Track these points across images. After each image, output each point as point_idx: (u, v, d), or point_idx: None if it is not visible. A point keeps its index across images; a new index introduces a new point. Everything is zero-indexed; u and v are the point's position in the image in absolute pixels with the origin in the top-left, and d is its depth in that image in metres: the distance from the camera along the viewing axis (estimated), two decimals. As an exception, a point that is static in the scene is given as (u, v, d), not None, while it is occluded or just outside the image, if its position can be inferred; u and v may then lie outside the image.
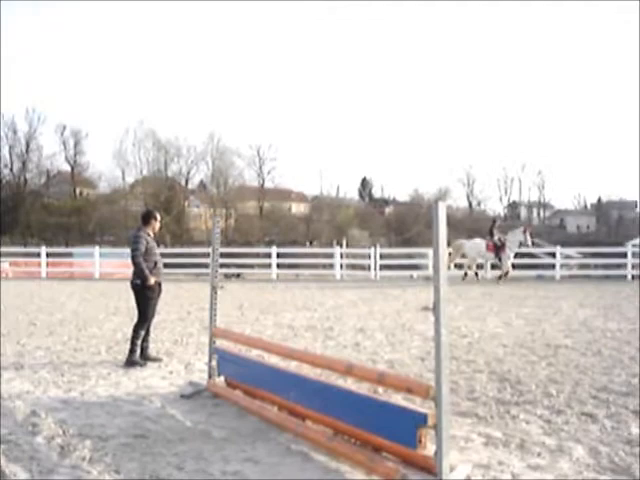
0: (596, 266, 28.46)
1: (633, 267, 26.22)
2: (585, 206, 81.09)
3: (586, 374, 7.83)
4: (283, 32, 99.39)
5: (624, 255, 26.65)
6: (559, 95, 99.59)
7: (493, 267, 24.98)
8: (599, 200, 78.00)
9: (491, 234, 23.90)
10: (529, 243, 23.78)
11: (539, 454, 5.01)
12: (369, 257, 28.32)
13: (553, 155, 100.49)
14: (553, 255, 28.57)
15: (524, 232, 23.67)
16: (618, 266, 26.84)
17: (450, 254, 24.94)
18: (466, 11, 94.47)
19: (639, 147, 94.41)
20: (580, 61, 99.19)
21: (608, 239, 55.37)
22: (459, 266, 25.34)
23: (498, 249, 23.39)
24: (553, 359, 8.81)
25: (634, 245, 28.91)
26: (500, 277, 23.37)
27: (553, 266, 28.06)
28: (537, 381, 7.48)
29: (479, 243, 24.17)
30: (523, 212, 76.43)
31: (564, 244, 32.44)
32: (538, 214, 77.62)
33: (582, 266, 29.81)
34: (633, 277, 25.63)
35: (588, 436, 5.45)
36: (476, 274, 24.06)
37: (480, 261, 24.39)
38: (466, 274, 24.04)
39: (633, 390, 7.00)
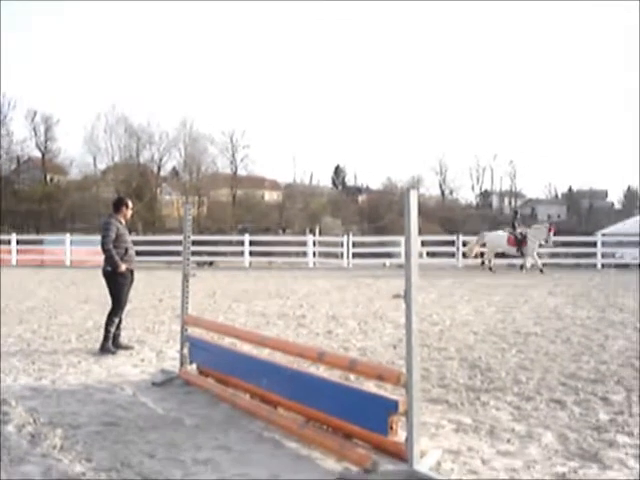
0: (566, 255, 28.75)
1: (603, 256, 26.53)
2: (556, 195, 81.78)
3: (555, 361, 7.92)
4: (255, 17, 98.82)
5: (594, 244, 26.93)
6: (530, 85, 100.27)
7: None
8: (570, 189, 78.70)
9: (513, 227, 23.82)
10: (551, 242, 23.60)
11: (509, 440, 5.07)
12: (342, 245, 28.37)
13: (525, 144, 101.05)
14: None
15: (549, 230, 23.36)
16: (588, 255, 27.12)
17: (469, 244, 25.21)
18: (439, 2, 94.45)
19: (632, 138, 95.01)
20: (551, 52, 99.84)
21: (578, 228, 55.80)
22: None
23: (519, 243, 23.23)
24: (523, 346, 8.90)
25: (604, 234, 29.24)
26: (539, 269, 22.97)
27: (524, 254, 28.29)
28: (507, 368, 7.56)
29: (501, 235, 24.10)
30: (495, 201, 76.85)
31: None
32: (510, 203, 77.96)
33: (552, 255, 30.09)
34: (603, 266, 25.93)
35: (557, 422, 5.52)
36: (490, 267, 23.87)
37: (499, 251, 24.24)
38: (483, 263, 24.17)
39: (601, 377, 7.10)
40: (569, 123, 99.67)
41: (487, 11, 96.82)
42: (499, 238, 24.00)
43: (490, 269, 23.68)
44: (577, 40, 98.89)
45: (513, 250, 23.57)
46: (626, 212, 59.88)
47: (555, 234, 23.93)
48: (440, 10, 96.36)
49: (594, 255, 26.55)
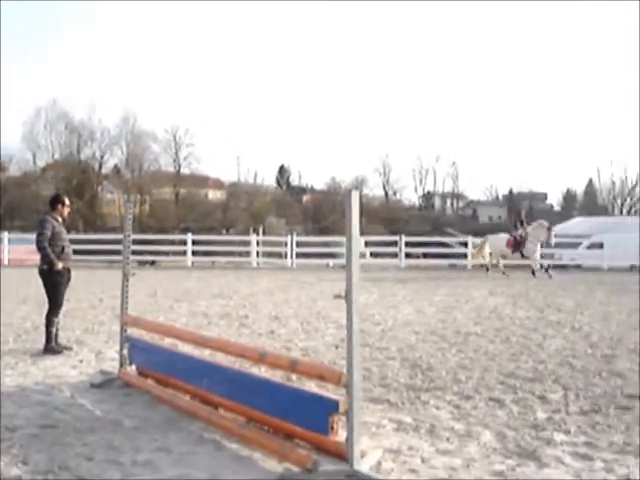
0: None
1: (542, 257, 26.99)
2: (497, 197, 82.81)
3: (494, 360, 8.05)
4: (194, 10, 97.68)
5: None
6: (471, 86, 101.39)
7: None
8: (510, 191, 79.79)
9: (516, 227, 23.34)
10: (552, 242, 23.11)
11: (448, 439, 5.12)
12: (286, 245, 28.40)
13: (467, 147, 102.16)
14: (465, 245, 29.24)
15: (548, 229, 22.93)
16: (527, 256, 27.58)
17: (476, 248, 24.90)
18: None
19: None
20: (493, 52, 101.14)
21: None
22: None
23: (518, 244, 22.70)
24: (463, 346, 9.01)
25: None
26: (533, 272, 22.57)
27: (465, 255, 28.70)
28: (447, 367, 7.64)
29: (502, 238, 23.73)
30: (437, 202, 77.60)
31: (476, 234, 33.18)
32: (452, 204, 78.90)
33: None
34: (542, 267, 26.39)
35: (495, 421, 5.60)
36: (503, 271, 23.33)
37: (503, 255, 23.79)
38: (487, 269, 23.70)
39: (539, 376, 7.23)
40: (511, 126, 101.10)
41: (439, 8, 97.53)
42: (500, 240, 23.65)
43: (503, 273, 23.01)
44: (522, 41, 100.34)
45: (510, 252, 23.14)
46: (565, 214, 60.98)
47: (554, 234, 23.48)
48: (381, 10, 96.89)
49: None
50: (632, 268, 27.97)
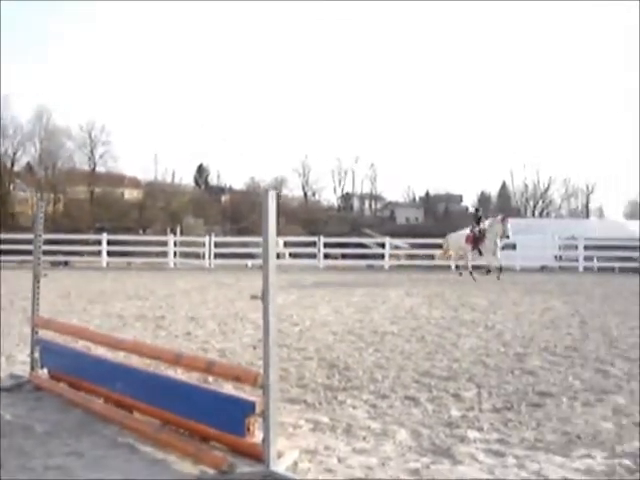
0: (423, 256, 29.65)
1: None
2: (414, 199, 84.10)
3: (410, 359, 8.14)
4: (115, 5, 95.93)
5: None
6: (390, 88, 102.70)
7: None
8: (427, 193, 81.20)
9: (478, 223, 22.36)
10: (509, 234, 21.57)
11: (364, 438, 5.14)
12: (204, 245, 28.21)
13: (385, 148, 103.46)
14: (383, 245, 29.60)
15: (502, 221, 21.67)
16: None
17: (442, 247, 24.26)
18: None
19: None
20: (406, 54, 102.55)
21: (435, 231, 57.76)
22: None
23: (477, 240, 21.72)
24: (380, 345, 9.09)
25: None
26: (488, 271, 21.92)
27: (383, 256, 29.05)
28: (364, 367, 7.69)
29: (461, 234, 23.11)
30: (356, 203, 78.35)
31: (394, 235, 33.67)
32: (370, 206, 79.85)
33: (410, 256, 30.98)
34: (457, 267, 26.89)
35: (411, 419, 5.65)
36: (457, 267, 23.23)
37: (461, 253, 23.05)
38: (460, 274, 22.78)
39: (453, 374, 7.34)
40: (429, 129, 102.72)
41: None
42: (460, 237, 23.08)
43: (460, 274, 22.81)
44: (437, 46, 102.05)
45: (469, 249, 22.23)
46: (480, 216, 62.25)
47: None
48: (291, 10, 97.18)
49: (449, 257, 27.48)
50: (543, 268, 28.88)
